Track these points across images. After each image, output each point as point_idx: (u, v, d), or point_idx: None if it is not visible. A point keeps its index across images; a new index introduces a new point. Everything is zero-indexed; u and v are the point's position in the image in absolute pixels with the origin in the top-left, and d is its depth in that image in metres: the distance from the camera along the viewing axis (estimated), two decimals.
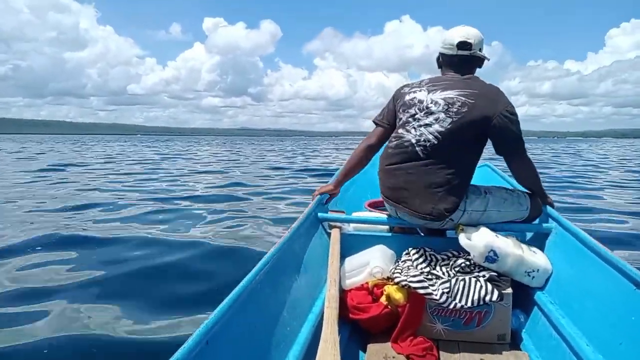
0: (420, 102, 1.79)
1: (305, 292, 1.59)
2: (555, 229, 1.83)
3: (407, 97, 1.86)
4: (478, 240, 1.65)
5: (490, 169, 3.21)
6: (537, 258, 1.68)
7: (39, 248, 3.52)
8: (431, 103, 1.76)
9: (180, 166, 13.21)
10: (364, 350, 1.54)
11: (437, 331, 1.56)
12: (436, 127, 1.71)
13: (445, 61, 1.89)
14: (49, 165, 12.77)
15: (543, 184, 1.91)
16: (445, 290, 1.53)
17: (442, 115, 1.71)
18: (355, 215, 2.21)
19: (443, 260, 1.72)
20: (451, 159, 1.71)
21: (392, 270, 1.69)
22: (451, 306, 1.51)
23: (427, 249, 1.78)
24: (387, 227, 2.10)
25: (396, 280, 1.60)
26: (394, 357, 1.47)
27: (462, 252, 1.73)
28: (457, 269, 1.66)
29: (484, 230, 1.70)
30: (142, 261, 3.23)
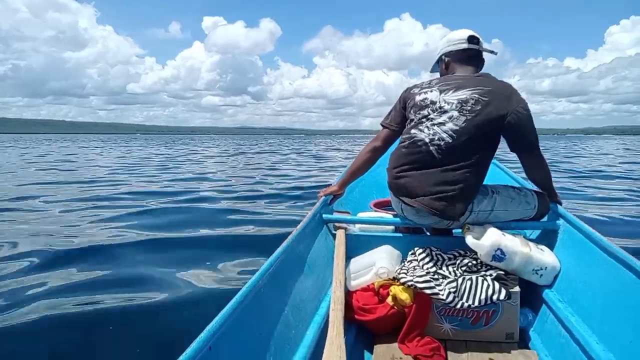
0: (433, 102, 1.77)
1: (310, 293, 1.58)
2: (563, 226, 1.81)
3: (418, 98, 1.83)
4: (485, 239, 1.63)
5: (496, 166, 3.19)
6: (544, 256, 1.66)
7: None
8: (444, 103, 1.74)
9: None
10: (371, 352, 1.53)
11: (444, 331, 1.55)
12: (450, 125, 1.70)
13: (455, 58, 1.88)
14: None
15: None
16: (452, 290, 1.51)
17: (455, 114, 1.70)
18: (361, 215, 2.20)
19: (449, 259, 1.71)
20: (466, 157, 1.69)
21: (398, 271, 1.68)
22: (458, 306, 1.50)
23: (433, 248, 1.76)
24: (392, 227, 2.09)
25: (402, 280, 1.59)
26: (401, 358, 1.46)
27: (469, 251, 1.71)
28: (463, 268, 1.65)
29: (490, 229, 1.68)
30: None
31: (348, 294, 1.70)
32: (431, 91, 1.80)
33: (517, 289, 1.54)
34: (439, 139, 1.71)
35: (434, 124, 1.74)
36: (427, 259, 1.70)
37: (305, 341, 1.33)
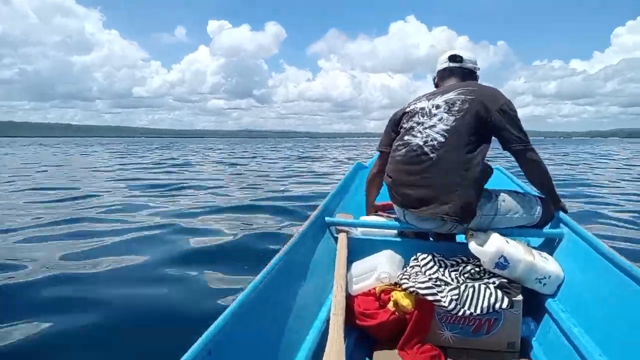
0: (422, 109, 1.87)
1: (311, 297, 1.57)
2: (567, 234, 1.79)
3: (409, 109, 1.94)
4: (488, 246, 1.62)
5: (501, 172, 3.17)
6: (548, 264, 1.64)
7: None
8: (432, 107, 1.83)
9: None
10: (370, 357, 1.52)
11: (445, 339, 1.53)
12: (441, 126, 1.76)
13: (440, 76, 2.06)
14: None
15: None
16: (454, 297, 1.50)
17: (445, 115, 1.77)
18: (363, 219, 2.18)
19: (452, 266, 1.69)
20: (461, 156, 1.71)
21: (400, 276, 1.67)
22: (460, 313, 1.48)
23: (436, 254, 1.75)
24: (395, 231, 2.07)
25: (404, 286, 1.58)
26: None
27: (472, 257, 1.70)
28: (466, 275, 1.63)
29: (494, 236, 1.66)
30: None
31: (349, 298, 1.68)
32: (420, 101, 1.92)
33: (519, 297, 1.53)
34: (432, 140, 1.76)
35: (425, 128, 1.80)
36: (429, 265, 1.68)
37: (305, 345, 1.32)
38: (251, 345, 1.10)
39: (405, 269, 1.73)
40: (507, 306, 1.48)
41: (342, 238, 1.93)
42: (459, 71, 2.02)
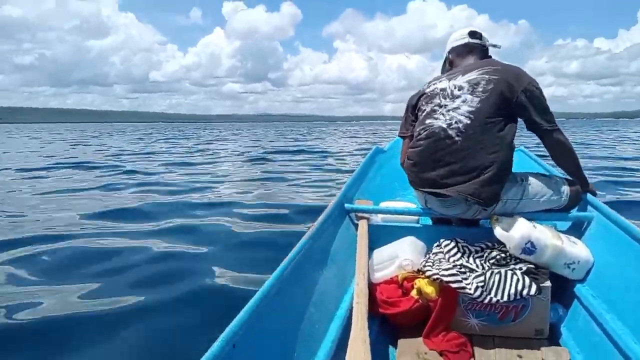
0: (443, 90, 1.77)
1: (333, 286, 1.56)
2: (597, 217, 1.73)
3: (428, 90, 1.85)
4: (514, 231, 1.57)
5: (524, 154, 3.09)
6: (577, 249, 1.59)
7: None
8: (454, 88, 1.73)
9: None
10: (395, 346, 1.50)
11: (470, 326, 1.51)
12: (465, 107, 1.68)
13: (457, 52, 1.93)
14: None
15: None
16: (480, 284, 1.46)
17: (468, 97, 1.68)
18: (383, 205, 2.15)
19: (477, 252, 1.65)
20: (487, 138, 1.64)
21: (423, 263, 1.64)
22: (486, 300, 1.45)
23: (459, 240, 1.71)
24: (416, 217, 2.04)
25: (427, 273, 1.55)
26: (426, 353, 1.43)
27: (497, 243, 1.65)
28: (491, 261, 1.59)
29: (520, 220, 1.61)
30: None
31: (371, 286, 1.66)
32: (440, 81, 1.82)
33: (548, 283, 1.48)
34: (456, 122, 1.68)
35: (448, 110, 1.72)
36: (453, 251, 1.64)
37: (329, 335, 1.30)
38: (275, 336, 1.09)
39: (428, 256, 1.70)
40: (535, 292, 1.44)
41: (363, 225, 1.90)
42: (479, 48, 1.92)
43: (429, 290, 1.53)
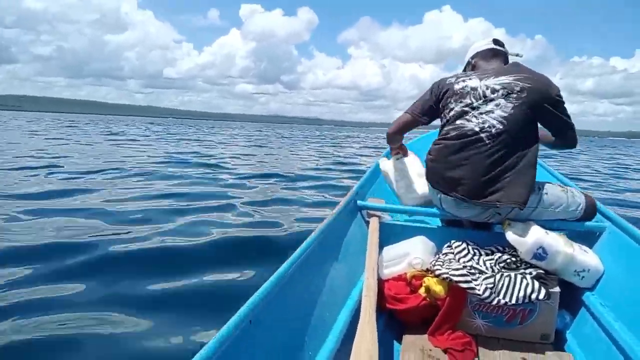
0: (474, 89, 1.75)
1: (343, 278, 1.58)
2: (609, 227, 1.73)
3: (457, 87, 1.80)
4: (527, 236, 1.58)
5: (541, 166, 3.08)
6: (588, 257, 1.59)
7: None
8: (487, 89, 1.72)
9: None
10: (399, 341, 1.52)
11: (476, 326, 1.52)
12: (499, 112, 1.68)
13: (481, 56, 1.96)
14: None
15: None
16: (489, 286, 1.48)
17: (502, 102, 1.69)
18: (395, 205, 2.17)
19: (487, 254, 1.66)
20: (517, 144, 1.67)
21: (433, 262, 1.65)
22: (494, 302, 1.46)
23: (470, 242, 1.72)
24: (428, 218, 2.06)
25: (437, 272, 1.57)
26: (430, 350, 1.45)
27: (508, 247, 1.67)
28: (502, 264, 1.60)
29: (533, 227, 1.62)
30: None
31: (380, 282, 1.68)
32: (470, 79, 1.80)
33: (557, 289, 1.49)
34: (489, 127, 1.68)
35: (481, 113, 1.70)
36: (463, 253, 1.66)
37: (338, 323, 1.33)
38: (288, 319, 1.12)
39: (438, 256, 1.71)
40: (544, 297, 1.45)
41: (374, 222, 1.92)
42: (503, 54, 1.95)
43: (438, 289, 1.54)
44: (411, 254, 1.72)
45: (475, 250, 1.68)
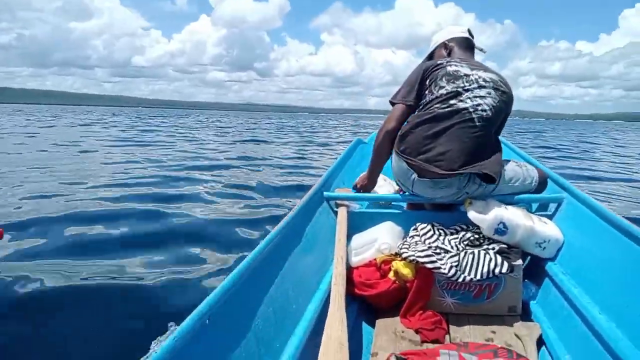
0: (467, 75, 1.82)
1: (311, 269, 1.58)
2: (567, 198, 1.79)
3: (450, 68, 1.83)
4: (487, 212, 1.62)
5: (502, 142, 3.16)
6: (547, 228, 1.64)
7: None
8: (479, 79, 1.81)
9: None
10: (373, 326, 1.54)
11: (446, 305, 1.55)
12: (490, 100, 1.78)
13: (458, 43, 2.01)
14: None
15: None
16: (454, 264, 1.51)
17: (493, 92, 1.80)
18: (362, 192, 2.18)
19: (452, 234, 1.70)
20: (496, 131, 1.85)
21: (400, 246, 1.67)
22: (460, 279, 1.49)
23: (435, 223, 1.75)
24: (394, 204, 2.08)
25: (404, 255, 1.59)
26: (403, 332, 1.47)
27: (471, 225, 1.70)
28: (466, 242, 1.64)
29: (492, 203, 1.67)
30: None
31: (350, 270, 1.69)
32: (461, 66, 1.85)
33: (519, 262, 1.53)
34: (482, 110, 1.76)
35: (475, 96, 1.77)
36: (429, 234, 1.68)
37: (306, 315, 1.33)
38: (251, 315, 1.10)
39: (404, 239, 1.73)
40: (507, 270, 1.49)
41: (342, 212, 1.93)
42: (474, 48, 2.06)
43: (406, 271, 1.56)
44: (379, 240, 1.73)
45: (441, 231, 1.71)
